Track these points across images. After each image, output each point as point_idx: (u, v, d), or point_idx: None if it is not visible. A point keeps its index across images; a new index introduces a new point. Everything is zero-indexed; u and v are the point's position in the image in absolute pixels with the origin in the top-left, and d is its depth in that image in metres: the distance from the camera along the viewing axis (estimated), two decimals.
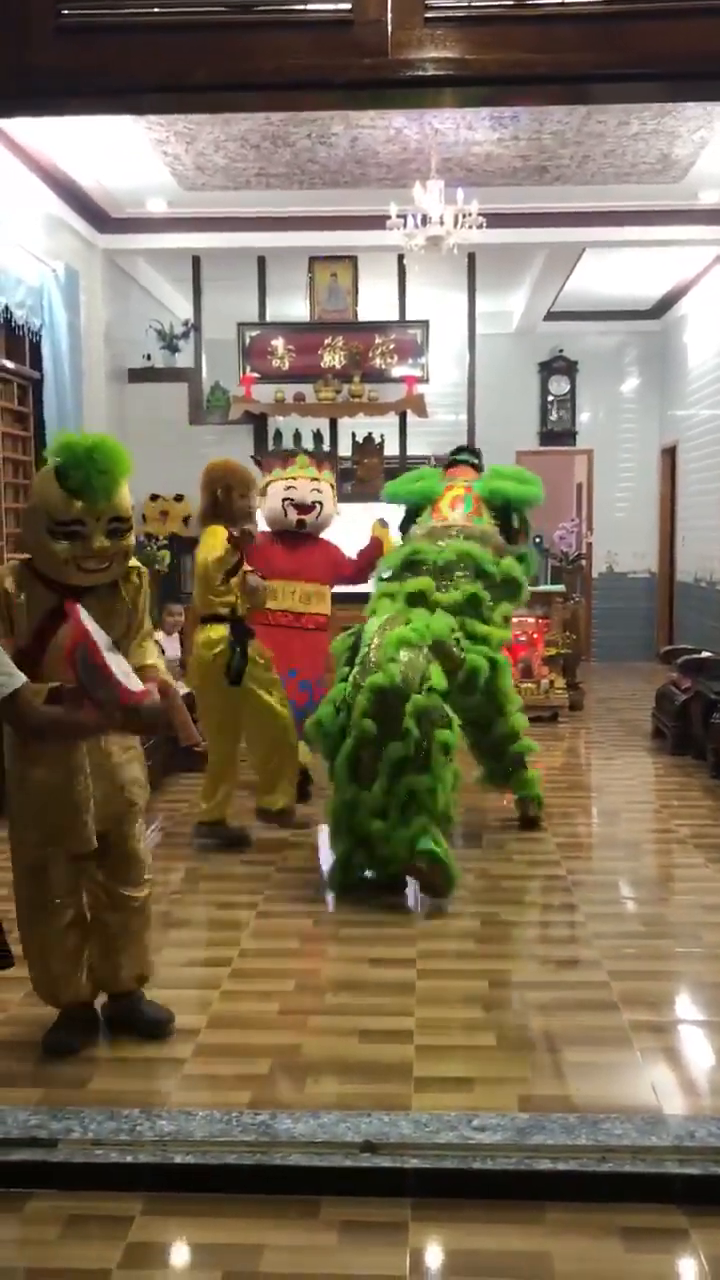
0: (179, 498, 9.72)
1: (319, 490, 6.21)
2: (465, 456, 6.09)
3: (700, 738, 7.31)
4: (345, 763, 4.65)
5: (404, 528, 5.83)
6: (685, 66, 2.58)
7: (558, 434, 12.75)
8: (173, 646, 7.43)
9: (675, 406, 12.08)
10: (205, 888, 4.98)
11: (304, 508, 6.16)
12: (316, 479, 6.24)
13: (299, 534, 6.21)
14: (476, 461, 6.07)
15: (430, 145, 7.02)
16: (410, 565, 5.33)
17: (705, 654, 7.61)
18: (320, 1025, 3.55)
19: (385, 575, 5.47)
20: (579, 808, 6.29)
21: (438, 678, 4.66)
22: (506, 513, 5.57)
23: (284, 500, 6.16)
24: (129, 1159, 2.83)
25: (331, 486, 6.34)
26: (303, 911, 4.61)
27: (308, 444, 9.84)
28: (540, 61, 2.62)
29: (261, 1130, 2.92)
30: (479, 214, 7.02)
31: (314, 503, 6.17)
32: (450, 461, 6.06)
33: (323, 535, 6.34)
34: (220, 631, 5.39)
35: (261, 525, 6.07)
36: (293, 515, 6.16)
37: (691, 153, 7.25)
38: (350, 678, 4.77)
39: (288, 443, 9.96)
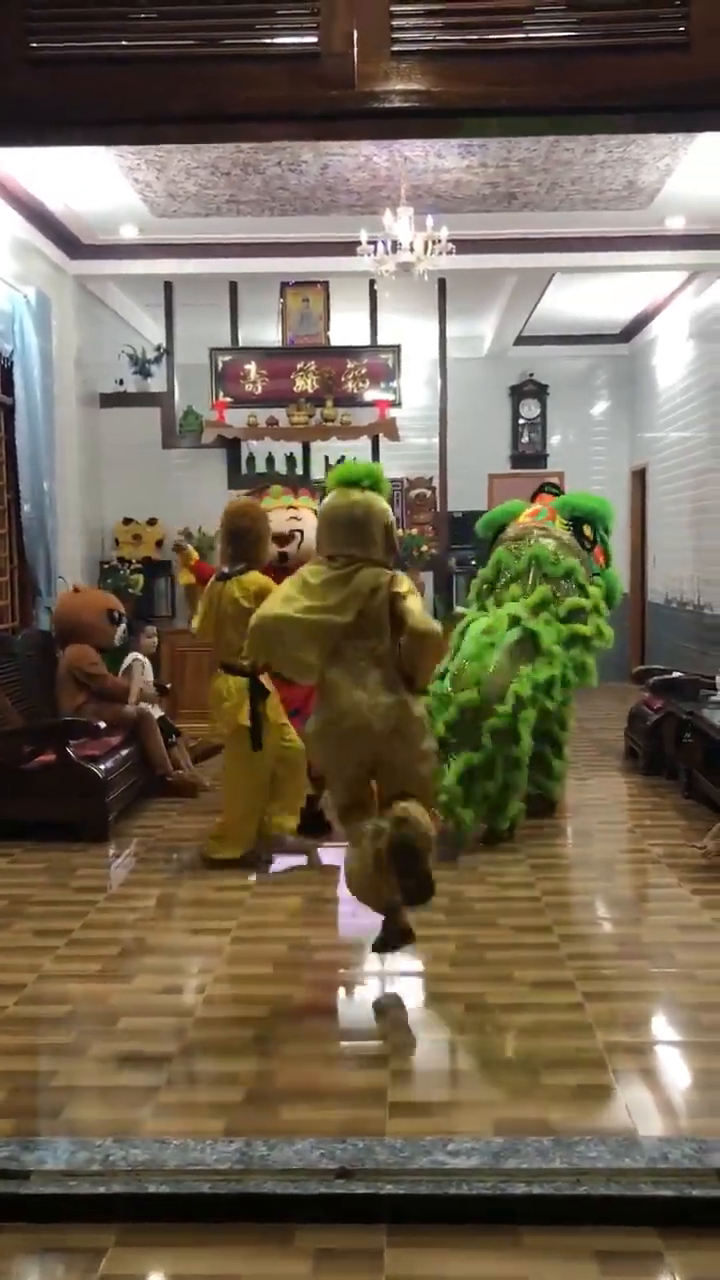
0: (152, 521, 9.73)
1: (297, 518, 6.01)
2: (549, 488, 7.01)
3: (672, 758, 7.35)
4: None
5: (496, 535, 6.58)
6: (645, 99, 2.63)
7: (529, 457, 12.84)
8: (149, 669, 7.41)
9: (645, 429, 12.19)
10: (180, 914, 4.96)
11: (282, 538, 5.94)
12: (293, 506, 6.06)
13: (282, 568, 5.80)
14: (559, 491, 6.99)
15: (400, 172, 7.09)
16: (496, 568, 6.31)
17: (676, 674, 7.66)
18: (294, 1051, 3.54)
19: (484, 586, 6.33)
20: (553, 827, 6.30)
21: (523, 685, 5.59)
22: (579, 527, 6.29)
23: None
24: (102, 1189, 2.81)
25: (313, 512, 5.97)
26: (277, 937, 4.60)
27: (280, 468, 9.89)
28: (502, 94, 2.66)
29: (236, 1158, 2.90)
30: (449, 240, 7.10)
31: (292, 532, 5.97)
32: (535, 493, 6.92)
33: None
34: (240, 683, 5.37)
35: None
36: (273, 548, 5.87)
37: (657, 179, 7.35)
38: (446, 677, 5.72)
39: (260, 467, 10.01)
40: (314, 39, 2.66)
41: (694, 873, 5.35)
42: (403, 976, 4.15)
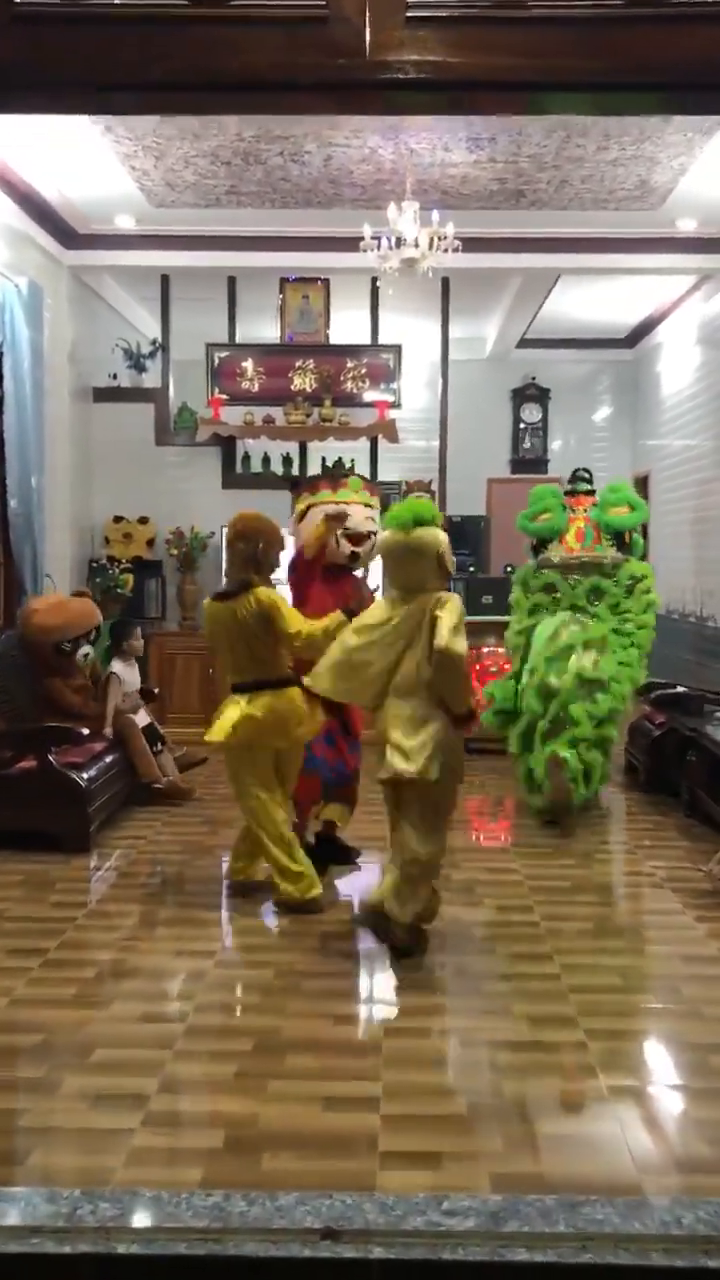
0: (143, 520, 9.50)
1: (373, 519, 5.45)
2: (584, 486, 7.30)
3: (674, 775, 7.14)
4: (520, 733, 6.53)
5: (536, 551, 7.16)
6: (684, 76, 2.41)
7: (529, 461, 12.65)
8: (133, 675, 7.17)
9: (647, 436, 12.00)
10: (162, 933, 4.73)
11: (358, 538, 5.37)
12: (370, 505, 5.52)
13: (339, 570, 5.42)
14: (591, 487, 7.31)
15: (405, 166, 6.88)
16: (548, 588, 6.92)
17: (680, 689, 7.45)
18: (279, 1091, 3.32)
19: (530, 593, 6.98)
20: (551, 847, 6.08)
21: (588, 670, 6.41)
22: (619, 534, 7.11)
23: (341, 531, 5.35)
24: (67, 1249, 2.58)
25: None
26: (263, 962, 4.38)
27: (277, 468, 9.68)
28: (528, 67, 2.43)
29: (214, 1214, 2.67)
30: (454, 237, 6.88)
31: (369, 533, 5.38)
32: (570, 490, 7.30)
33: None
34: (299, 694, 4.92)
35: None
36: (345, 547, 5.35)
37: (670, 179, 7.15)
38: (526, 672, 6.55)
39: (256, 466, 9.80)
40: (322, 2, 2.44)
41: (698, 898, 5.14)
42: (396, 1009, 3.92)
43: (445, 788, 4.29)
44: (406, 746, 4.15)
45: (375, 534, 5.30)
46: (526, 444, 12.67)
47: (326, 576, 5.41)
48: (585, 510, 7.16)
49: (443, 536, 4.38)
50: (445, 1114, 3.19)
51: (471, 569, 9.71)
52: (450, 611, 4.18)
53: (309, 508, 5.49)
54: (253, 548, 4.99)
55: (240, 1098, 3.28)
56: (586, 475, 7.48)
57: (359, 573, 5.58)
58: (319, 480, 5.64)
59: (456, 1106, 3.24)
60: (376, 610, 4.44)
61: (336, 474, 5.62)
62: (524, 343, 11.87)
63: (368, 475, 9.61)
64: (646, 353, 12.00)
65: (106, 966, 4.30)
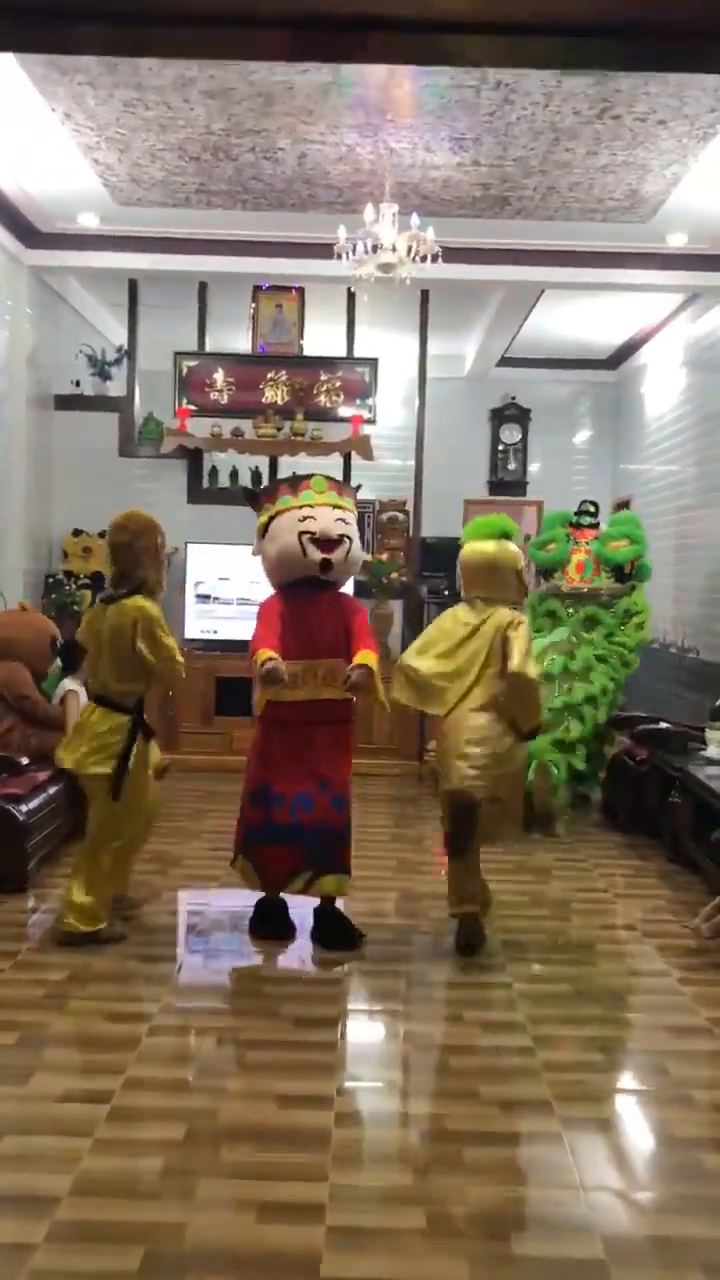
0: (104, 534, 9.00)
1: (345, 521, 4.75)
2: (588, 520, 7.75)
3: (655, 816, 6.76)
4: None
5: (546, 574, 7.63)
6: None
7: (508, 484, 12.28)
8: (84, 697, 6.70)
9: (629, 460, 11.66)
10: (95, 990, 4.25)
11: (329, 543, 4.68)
12: (340, 506, 4.79)
13: (317, 586, 4.76)
14: (595, 520, 7.76)
15: (384, 167, 6.50)
16: (550, 614, 7.49)
17: (663, 724, 7.06)
18: (211, 1194, 2.87)
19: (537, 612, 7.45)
20: (525, 895, 5.66)
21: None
22: (619, 566, 7.47)
23: (301, 535, 4.68)
24: None
25: (355, 517, 4.91)
26: (205, 1027, 3.93)
27: (245, 482, 9.27)
28: (515, 8, 2.04)
29: None
30: (435, 244, 6.48)
31: (341, 536, 4.70)
32: (575, 523, 7.71)
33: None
34: (117, 721, 4.66)
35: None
36: (315, 554, 4.64)
37: (662, 189, 6.80)
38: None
39: (224, 480, 9.38)
40: None
41: (683, 956, 4.74)
42: (348, 1090, 3.48)
43: (513, 796, 4.73)
44: (479, 761, 4.48)
45: (351, 539, 4.74)
46: (505, 466, 12.30)
47: (298, 600, 4.73)
48: (588, 543, 7.62)
49: (519, 553, 4.82)
50: (400, 1227, 2.76)
51: (446, 592, 9.31)
52: (522, 635, 4.59)
53: (270, 521, 4.79)
54: (124, 549, 4.69)
55: (165, 1203, 2.83)
56: (592, 509, 7.92)
57: (342, 588, 4.97)
58: (277, 486, 4.93)
59: (414, 1218, 2.80)
60: (457, 618, 4.72)
61: (296, 477, 4.91)
62: (504, 361, 11.52)
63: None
64: (630, 374, 11.68)
65: (29, 1030, 3.84)
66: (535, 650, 6.83)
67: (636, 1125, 3.34)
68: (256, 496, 4.95)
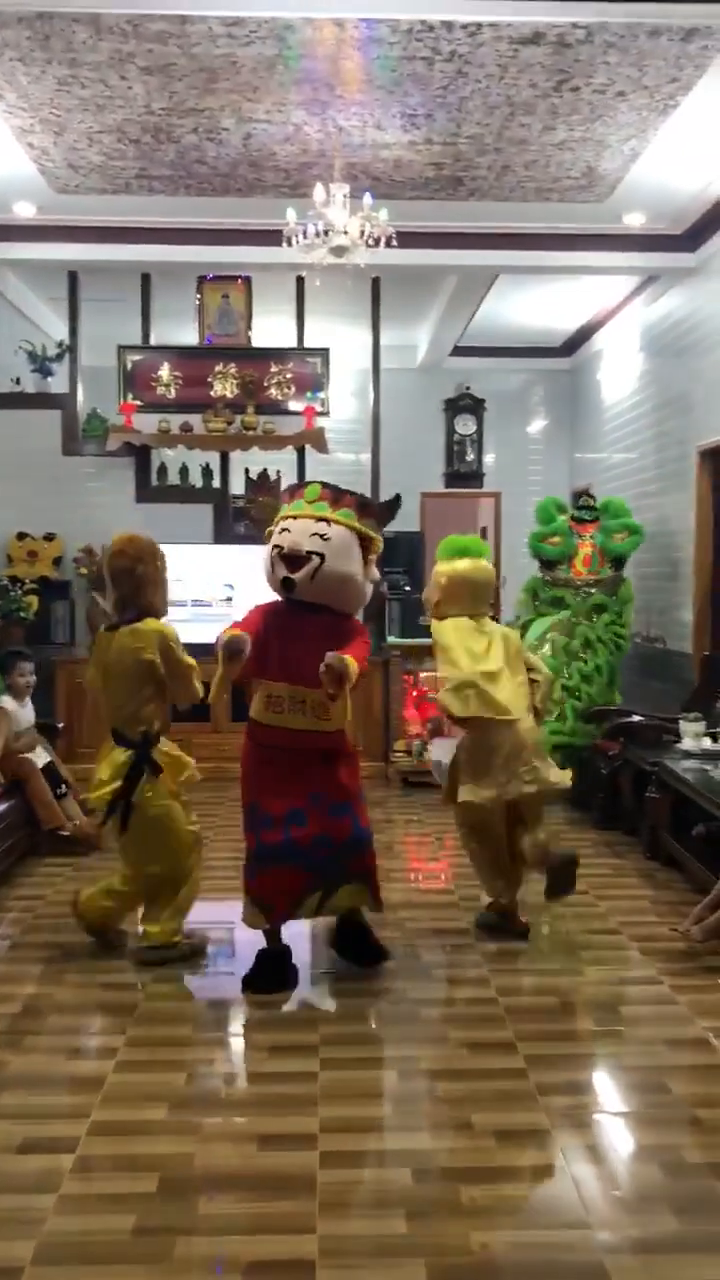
0: (50, 537, 8.72)
1: (324, 536, 4.16)
2: (590, 515, 8.18)
3: (631, 812, 6.57)
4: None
5: (550, 566, 8.07)
6: None
7: (464, 475, 12.09)
8: (25, 711, 6.38)
9: (586, 449, 11.51)
10: (55, 1024, 3.97)
11: (294, 559, 4.14)
12: (325, 519, 4.22)
13: (304, 607, 4.23)
14: (596, 514, 8.16)
15: (333, 147, 6.25)
16: (556, 601, 8.00)
17: (636, 718, 6.88)
18: (186, 1256, 2.61)
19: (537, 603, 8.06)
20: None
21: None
22: (619, 557, 8.08)
23: (273, 550, 4.23)
24: None
25: (352, 532, 4.24)
26: (174, 1062, 3.65)
27: (196, 479, 8.98)
28: None
29: None
30: (388, 226, 6.23)
31: (310, 554, 4.13)
32: (577, 518, 8.16)
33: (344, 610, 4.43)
34: (118, 758, 4.48)
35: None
36: (280, 571, 4.18)
37: (620, 166, 6.60)
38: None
39: (174, 478, 9.09)
40: None
41: (672, 961, 4.53)
42: (333, 1126, 3.23)
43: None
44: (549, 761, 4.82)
45: (322, 555, 4.15)
46: (461, 457, 12.10)
47: (286, 621, 4.24)
48: (591, 536, 8.07)
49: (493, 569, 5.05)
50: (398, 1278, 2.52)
51: (407, 588, 9.08)
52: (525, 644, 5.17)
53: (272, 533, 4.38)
54: (125, 576, 4.50)
55: (135, 1270, 2.57)
56: (591, 503, 8.39)
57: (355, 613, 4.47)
58: (283, 494, 4.53)
59: (413, 1269, 2.56)
60: (473, 634, 4.73)
61: (296, 485, 4.55)
62: (457, 351, 11.33)
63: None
64: (585, 361, 11.52)
65: None
66: (536, 633, 7.71)
67: (643, 1153, 3.11)
68: (256, 506, 4.60)
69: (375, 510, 4.42)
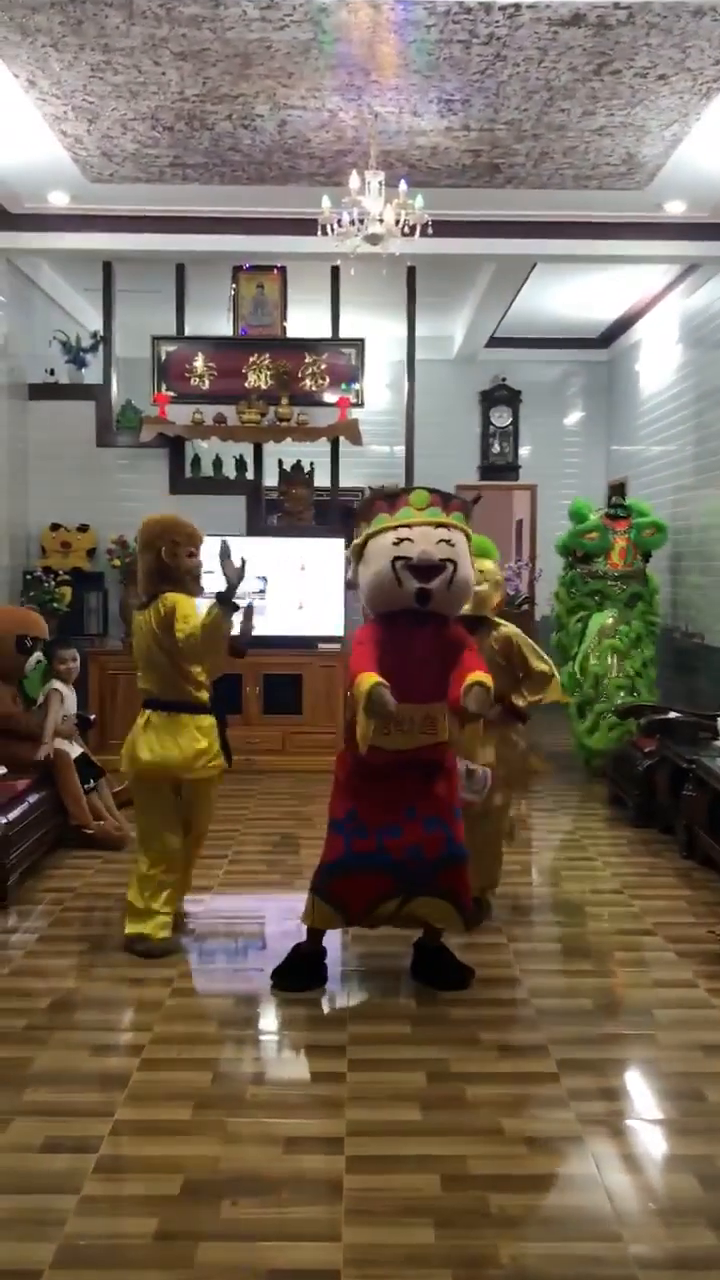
0: (83, 528, 8.71)
1: (449, 542, 3.94)
2: (623, 513, 8.56)
3: (667, 810, 6.46)
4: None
5: (586, 560, 8.49)
6: None
7: (499, 468, 11.99)
8: (72, 697, 6.38)
9: (623, 441, 11.36)
10: (81, 1019, 3.94)
11: (428, 569, 3.90)
12: (445, 524, 3.98)
13: (419, 618, 3.97)
14: (627, 511, 8.57)
15: (369, 134, 6.15)
16: (595, 593, 8.45)
17: (672, 714, 6.76)
18: (210, 1260, 2.56)
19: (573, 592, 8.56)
20: (536, 899, 5.37)
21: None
22: (648, 551, 8.56)
23: (394, 561, 3.91)
24: None
25: (467, 537, 4.08)
26: (201, 1060, 3.60)
27: (229, 471, 8.94)
28: None
29: None
30: (424, 214, 6.13)
31: (443, 561, 3.92)
32: (611, 515, 8.54)
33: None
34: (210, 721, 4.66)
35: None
36: (411, 583, 3.89)
37: (661, 153, 6.47)
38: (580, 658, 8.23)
39: (207, 469, 9.05)
40: None
41: (709, 964, 4.44)
42: (360, 1129, 3.17)
43: None
44: None
45: (455, 563, 3.93)
46: (496, 449, 11.99)
47: (395, 634, 3.97)
48: (625, 532, 8.44)
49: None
50: None
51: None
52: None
53: (365, 544, 4.05)
54: (154, 556, 4.53)
55: (157, 1275, 2.52)
56: (623, 502, 9.01)
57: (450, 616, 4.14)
58: (373, 502, 4.11)
59: None
60: None
61: (393, 491, 4.17)
62: (493, 342, 11.21)
63: (329, 482, 8.94)
64: (623, 352, 11.37)
65: (7, 1067, 3.52)
66: (595, 628, 8.28)
67: (678, 1163, 3.03)
68: (353, 516, 4.28)
69: (470, 511, 4.22)
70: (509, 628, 4.77)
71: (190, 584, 4.58)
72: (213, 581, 4.53)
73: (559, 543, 8.72)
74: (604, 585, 8.40)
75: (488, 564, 4.69)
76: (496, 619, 4.79)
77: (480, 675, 3.82)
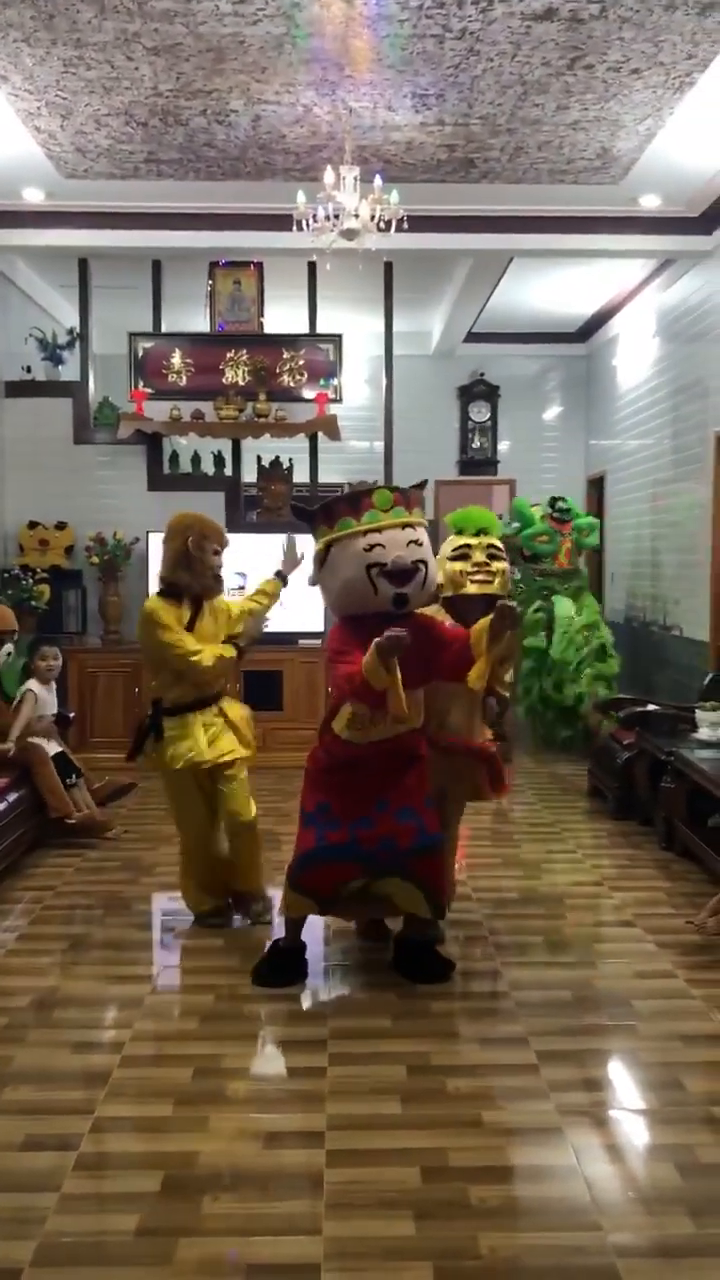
0: (61, 525, 8.68)
1: (418, 542, 3.96)
2: (568, 517, 9.28)
3: (646, 802, 6.49)
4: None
5: (533, 560, 9.23)
6: None
7: (478, 462, 11.99)
8: (50, 697, 6.36)
9: (602, 435, 11.39)
10: (61, 1016, 3.93)
11: (403, 575, 3.90)
12: (410, 524, 3.98)
13: (388, 619, 3.88)
14: (572, 516, 9.30)
15: (343, 129, 6.13)
16: (543, 589, 9.15)
17: (651, 707, 6.79)
18: (188, 1258, 2.56)
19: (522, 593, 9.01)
20: (517, 891, 5.38)
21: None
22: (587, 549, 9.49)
23: (370, 569, 3.90)
24: None
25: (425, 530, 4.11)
26: (180, 1056, 3.60)
27: (208, 467, 8.92)
28: None
29: None
30: (400, 209, 6.12)
31: (416, 563, 3.92)
32: (558, 518, 9.21)
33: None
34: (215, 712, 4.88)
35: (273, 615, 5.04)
36: (388, 590, 3.90)
37: (635, 147, 6.48)
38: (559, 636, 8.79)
39: (185, 465, 9.03)
40: None
41: (689, 955, 4.47)
42: (340, 1124, 3.17)
43: None
44: None
45: (425, 563, 3.95)
46: (475, 443, 12.00)
47: (368, 632, 3.80)
48: (569, 534, 9.20)
49: None
50: None
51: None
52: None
53: (328, 549, 4.02)
54: (180, 544, 4.70)
55: (138, 1272, 2.52)
56: (566, 505, 9.37)
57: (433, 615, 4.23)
58: (335, 505, 4.04)
59: (420, 1274, 2.50)
60: None
61: (355, 493, 4.06)
62: (471, 337, 11.21)
63: (308, 478, 8.94)
64: (600, 347, 11.40)
65: None
66: (562, 614, 8.84)
67: (657, 1152, 3.04)
68: (311, 515, 4.14)
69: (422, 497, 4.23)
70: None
71: (209, 580, 4.72)
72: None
73: (523, 543, 9.22)
74: (553, 583, 9.17)
75: (496, 540, 4.58)
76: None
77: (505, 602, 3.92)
